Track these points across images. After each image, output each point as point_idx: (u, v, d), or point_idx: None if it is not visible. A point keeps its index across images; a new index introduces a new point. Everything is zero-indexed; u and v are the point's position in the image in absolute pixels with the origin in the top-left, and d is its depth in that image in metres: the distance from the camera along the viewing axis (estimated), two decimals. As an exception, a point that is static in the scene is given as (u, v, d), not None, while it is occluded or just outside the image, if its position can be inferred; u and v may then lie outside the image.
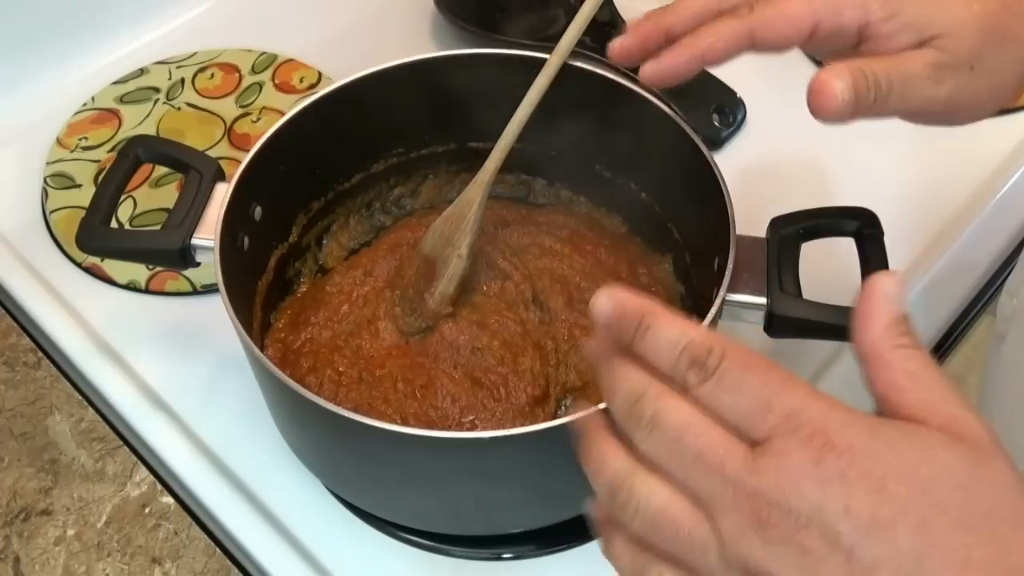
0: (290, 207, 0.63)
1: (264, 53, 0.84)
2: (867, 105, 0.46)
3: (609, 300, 0.36)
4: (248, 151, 0.56)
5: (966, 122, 0.50)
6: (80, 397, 0.63)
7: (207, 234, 0.55)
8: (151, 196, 0.73)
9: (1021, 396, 0.55)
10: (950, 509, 0.31)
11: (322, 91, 0.59)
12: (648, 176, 0.64)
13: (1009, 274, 0.74)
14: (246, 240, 0.57)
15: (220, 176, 0.58)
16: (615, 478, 0.34)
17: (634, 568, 0.35)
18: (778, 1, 0.47)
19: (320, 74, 0.82)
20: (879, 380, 0.34)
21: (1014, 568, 0.31)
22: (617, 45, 0.50)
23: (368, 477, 0.55)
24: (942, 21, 0.46)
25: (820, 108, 0.46)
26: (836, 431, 0.32)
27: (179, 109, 0.80)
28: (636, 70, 0.81)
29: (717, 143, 0.78)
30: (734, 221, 0.52)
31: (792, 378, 0.33)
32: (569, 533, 0.58)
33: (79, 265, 0.70)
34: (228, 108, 0.80)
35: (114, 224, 0.58)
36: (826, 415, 0.32)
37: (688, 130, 0.57)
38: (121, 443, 0.61)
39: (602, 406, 0.36)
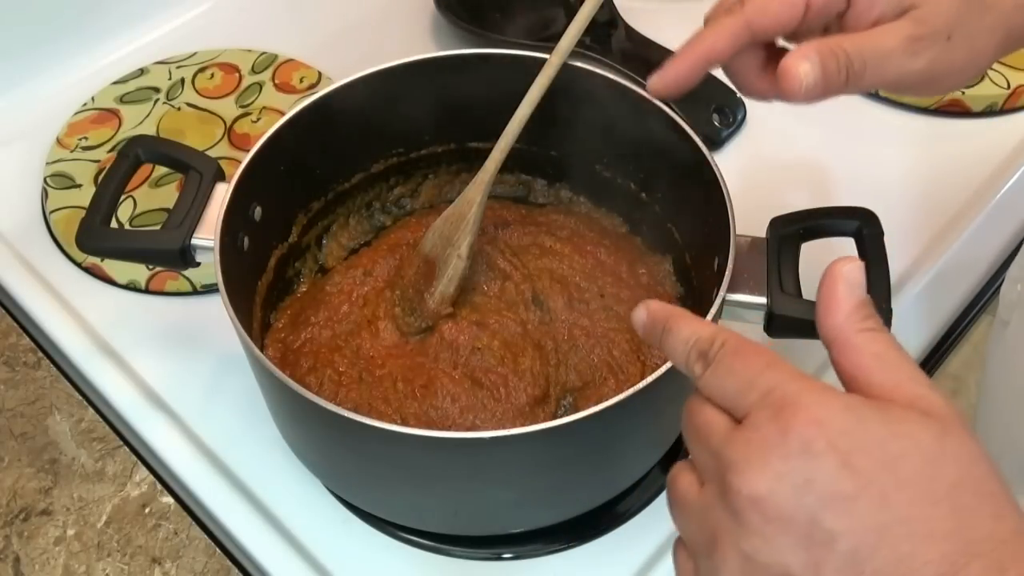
0: (290, 207, 0.63)
1: (264, 53, 0.84)
2: (839, 83, 0.46)
3: (643, 310, 0.40)
4: (248, 151, 0.56)
5: (945, 91, 0.50)
6: (80, 397, 0.63)
7: (207, 234, 0.55)
8: (151, 196, 0.73)
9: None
10: (915, 483, 0.31)
11: (322, 91, 0.59)
12: (648, 176, 0.64)
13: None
14: (246, 240, 0.57)
15: (220, 176, 0.58)
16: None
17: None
18: None
19: (320, 74, 0.82)
20: (846, 363, 0.35)
21: (977, 540, 0.31)
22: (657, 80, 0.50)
23: (368, 477, 0.55)
24: None
25: (786, 91, 0.46)
26: (807, 406, 0.33)
27: (179, 109, 0.80)
28: (636, 70, 0.81)
29: (717, 143, 0.78)
30: (734, 221, 0.52)
31: (776, 360, 0.35)
32: (569, 533, 0.58)
33: (79, 265, 0.70)
34: (228, 108, 0.80)
35: (114, 224, 0.58)
36: (800, 392, 0.33)
37: (688, 130, 0.57)
38: (121, 443, 0.61)
39: None
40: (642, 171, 0.64)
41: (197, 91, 0.81)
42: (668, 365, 0.47)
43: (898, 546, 0.31)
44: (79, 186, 0.74)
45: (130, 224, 0.71)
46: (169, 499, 0.58)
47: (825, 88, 0.46)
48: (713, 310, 0.50)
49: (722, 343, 0.36)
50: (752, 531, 0.32)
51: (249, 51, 0.84)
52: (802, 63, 0.45)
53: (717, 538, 0.34)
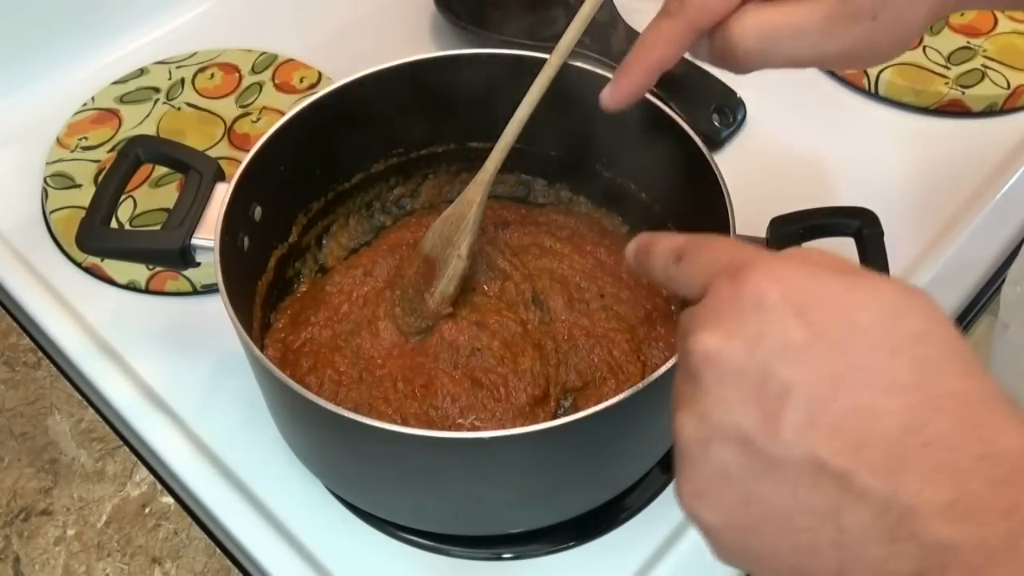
0: (290, 207, 0.63)
1: (264, 53, 0.84)
2: (718, 64, 0.46)
3: (632, 246, 0.41)
4: (248, 151, 0.56)
5: (869, 66, 0.48)
6: (80, 397, 0.63)
7: (207, 234, 0.55)
8: (151, 196, 0.73)
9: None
10: (873, 332, 0.30)
11: (322, 91, 0.59)
12: (648, 176, 0.64)
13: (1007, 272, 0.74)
14: (246, 240, 0.57)
15: (220, 176, 0.58)
16: None
17: None
18: None
19: (320, 74, 0.82)
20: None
21: (943, 394, 0.29)
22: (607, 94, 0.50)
23: (368, 477, 0.55)
24: None
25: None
26: (762, 264, 0.32)
27: (179, 109, 0.80)
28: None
29: (717, 143, 0.78)
30: (734, 221, 0.52)
31: (739, 242, 0.35)
32: (569, 533, 0.58)
33: (79, 265, 0.70)
34: (228, 108, 0.80)
35: (114, 224, 0.58)
36: (758, 255, 0.33)
37: (688, 130, 0.57)
38: (121, 443, 0.61)
39: None
40: (642, 171, 0.64)
41: (197, 91, 0.81)
42: (668, 365, 0.47)
43: (856, 396, 0.29)
44: (79, 186, 0.74)
45: (130, 224, 0.71)
46: (169, 499, 0.58)
47: (714, 63, 0.46)
48: (713, 310, 0.50)
49: (690, 239, 0.37)
50: (704, 391, 0.32)
51: (249, 51, 0.84)
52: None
53: (676, 404, 0.33)
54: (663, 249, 0.38)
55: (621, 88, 0.49)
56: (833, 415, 0.29)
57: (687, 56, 0.48)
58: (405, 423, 0.57)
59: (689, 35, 0.46)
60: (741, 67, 0.46)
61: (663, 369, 0.47)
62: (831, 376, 0.30)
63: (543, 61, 0.57)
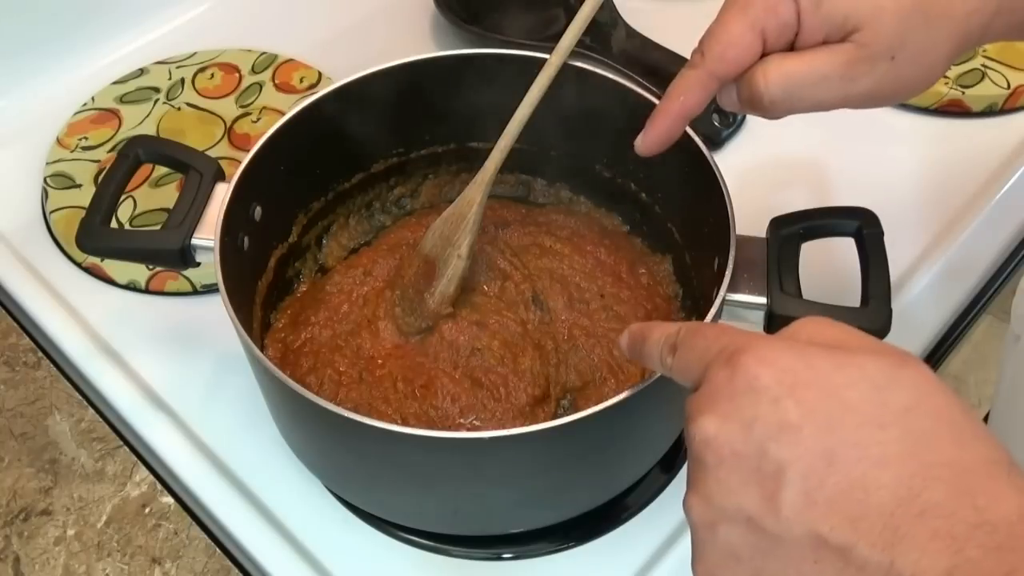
0: (290, 207, 0.63)
1: (264, 53, 0.84)
2: (748, 111, 0.48)
3: (625, 334, 0.42)
4: (248, 151, 0.56)
5: (899, 102, 0.49)
6: (80, 397, 0.63)
7: (207, 234, 0.55)
8: (151, 196, 0.73)
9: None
10: (862, 408, 0.31)
11: (322, 91, 0.59)
12: (648, 176, 0.64)
13: (1007, 272, 0.74)
14: (246, 240, 0.57)
15: (220, 176, 0.58)
16: None
17: None
18: (718, 32, 0.47)
19: (320, 74, 0.82)
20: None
21: (935, 463, 0.30)
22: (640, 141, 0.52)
23: (368, 477, 0.55)
24: (860, 12, 0.45)
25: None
26: (753, 349, 0.33)
27: (179, 109, 0.80)
28: (636, 70, 0.81)
29: (717, 143, 0.78)
30: (734, 221, 0.52)
31: (729, 327, 0.36)
32: (569, 533, 0.58)
33: (79, 265, 0.70)
34: (228, 108, 0.80)
35: (114, 224, 0.58)
36: (749, 340, 0.34)
37: (688, 130, 0.56)
38: (121, 443, 0.61)
39: None
40: (642, 171, 0.64)
41: (197, 91, 0.81)
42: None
43: (849, 470, 0.30)
44: (79, 186, 0.74)
45: (130, 224, 0.71)
46: (169, 499, 0.58)
47: (742, 109, 0.48)
48: (713, 310, 0.50)
49: (683, 329, 0.38)
50: (707, 474, 0.33)
51: (249, 51, 0.84)
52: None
53: (687, 487, 0.34)
54: (657, 340, 0.39)
55: (652, 135, 0.51)
56: (829, 490, 0.30)
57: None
58: (405, 423, 0.57)
59: (711, 85, 0.48)
60: (769, 114, 0.48)
61: (663, 369, 0.47)
62: (824, 452, 0.31)
63: (543, 61, 0.57)
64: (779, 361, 0.33)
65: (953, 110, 0.81)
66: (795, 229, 0.55)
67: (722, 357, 0.34)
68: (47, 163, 0.76)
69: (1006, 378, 0.66)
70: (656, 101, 0.58)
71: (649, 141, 0.51)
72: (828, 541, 0.30)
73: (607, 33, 0.84)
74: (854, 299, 0.52)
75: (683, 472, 0.60)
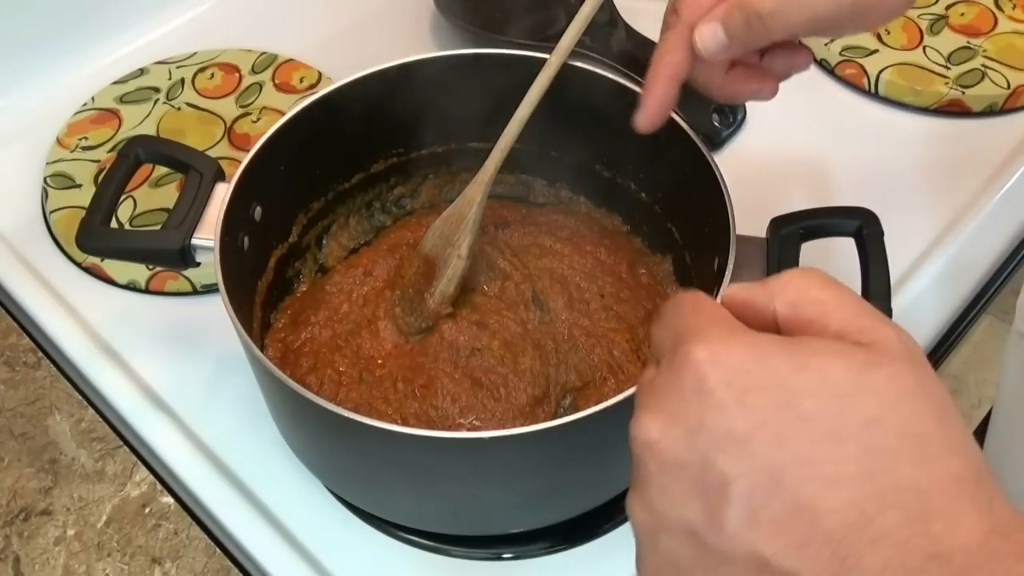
0: (290, 207, 0.63)
1: (264, 53, 0.84)
2: (746, 38, 0.47)
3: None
4: (248, 151, 0.56)
5: (873, 26, 0.48)
6: (80, 397, 0.63)
7: (207, 234, 0.55)
8: (151, 196, 0.73)
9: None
10: (819, 419, 0.28)
11: (322, 91, 0.59)
12: (648, 176, 0.64)
13: (1007, 272, 0.74)
14: (246, 240, 0.57)
15: (220, 176, 0.58)
16: None
17: None
18: None
19: (320, 74, 0.82)
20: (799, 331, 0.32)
21: (893, 487, 0.27)
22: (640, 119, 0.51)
23: (368, 477, 0.55)
24: None
25: (700, 58, 0.49)
26: (705, 344, 0.30)
27: (179, 109, 0.80)
28: (636, 70, 0.81)
29: (717, 143, 0.78)
30: (734, 221, 0.52)
31: (703, 304, 0.33)
32: (569, 533, 0.58)
33: (79, 265, 0.70)
34: (228, 108, 0.80)
35: (114, 224, 0.58)
36: (704, 331, 0.31)
37: (688, 130, 0.57)
38: (121, 443, 0.61)
39: None
40: (642, 171, 0.64)
41: (197, 91, 0.81)
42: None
43: (799, 490, 0.27)
44: (79, 186, 0.74)
45: (130, 224, 0.71)
46: (169, 499, 0.58)
47: (735, 44, 0.47)
48: (713, 310, 0.50)
49: (669, 301, 0.34)
50: (649, 480, 0.30)
51: (249, 51, 0.84)
52: (702, 29, 0.48)
53: (630, 485, 0.32)
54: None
55: (648, 107, 0.50)
56: (775, 511, 0.28)
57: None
58: (405, 423, 0.57)
59: (687, 36, 0.48)
60: (767, 34, 0.46)
61: (663, 369, 0.46)
62: (771, 468, 0.28)
63: (543, 61, 0.57)
64: (731, 359, 0.30)
65: (953, 110, 0.81)
66: (795, 229, 0.55)
67: (677, 346, 0.31)
68: (47, 163, 0.76)
69: (1010, 374, 0.66)
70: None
71: (647, 114, 0.50)
72: (771, 565, 0.28)
73: (607, 33, 0.84)
74: (854, 299, 0.52)
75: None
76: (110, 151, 0.76)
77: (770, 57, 0.51)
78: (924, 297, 0.69)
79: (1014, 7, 0.87)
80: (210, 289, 0.69)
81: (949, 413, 0.29)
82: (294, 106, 0.59)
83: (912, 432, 0.28)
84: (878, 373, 0.29)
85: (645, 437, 0.30)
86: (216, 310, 0.51)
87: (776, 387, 0.29)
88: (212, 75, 0.82)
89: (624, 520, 0.59)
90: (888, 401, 0.28)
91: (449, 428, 0.57)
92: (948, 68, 0.82)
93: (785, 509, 0.28)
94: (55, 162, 0.76)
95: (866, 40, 0.84)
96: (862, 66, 0.82)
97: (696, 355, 0.30)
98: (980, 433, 0.78)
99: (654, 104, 0.50)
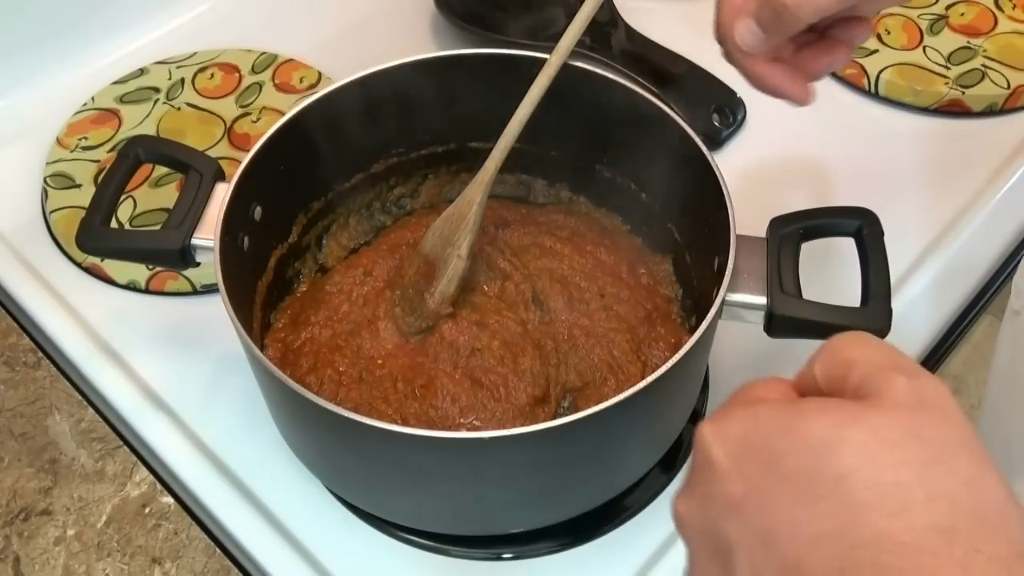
0: (290, 207, 0.63)
1: (264, 53, 0.84)
2: (780, 27, 0.49)
3: None
4: (248, 151, 0.56)
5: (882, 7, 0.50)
6: (80, 397, 0.63)
7: (207, 234, 0.55)
8: (151, 196, 0.73)
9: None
10: (797, 480, 0.29)
11: (322, 91, 0.59)
12: (648, 176, 0.64)
13: (1007, 272, 0.74)
14: (246, 240, 0.57)
15: (220, 176, 0.58)
16: None
17: None
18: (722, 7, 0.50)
19: (320, 74, 0.82)
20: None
21: (863, 542, 0.27)
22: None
23: (368, 477, 0.55)
24: None
25: (737, 55, 0.51)
26: (712, 419, 0.32)
27: (179, 109, 0.80)
28: (636, 70, 0.81)
29: (717, 143, 0.78)
30: (734, 221, 0.52)
31: (754, 385, 0.35)
32: (569, 533, 0.58)
33: (79, 265, 0.70)
34: (228, 108, 0.80)
35: (114, 224, 0.58)
36: (722, 407, 0.33)
37: (688, 130, 0.57)
38: (121, 443, 0.61)
39: None
40: (642, 171, 0.64)
41: (197, 91, 0.81)
42: (668, 365, 0.47)
43: (785, 552, 0.29)
44: (79, 186, 0.74)
45: (130, 224, 0.71)
46: (169, 499, 0.58)
47: (771, 35, 0.49)
48: (713, 310, 0.50)
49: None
50: (688, 548, 0.33)
51: (249, 51, 0.84)
52: (737, 26, 0.50)
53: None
54: None
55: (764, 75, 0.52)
56: (771, 572, 0.29)
57: (691, 60, 0.49)
58: (405, 423, 0.57)
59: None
60: (798, 19, 0.47)
61: (663, 369, 0.47)
62: (762, 532, 0.29)
63: (543, 61, 0.57)
64: (730, 429, 0.31)
65: (953, 110, 0.81)
66: (795, 229, 0.55)
67: (699, 427, 0.33)
68: (47, 163, 0.76)
69: (1002, 352, 0.66)
70: (656, 101, 0.58)
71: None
72: None
73: (607, 33, 0.84)
74: (854, 299, 0.52)
75: (683, 472, 0.60)
76: (110, 151, 0.76)
77: (831, 32, 0.52)
78: (924, 297, 0.69)
79: (1014, 7, 0.87)
80: (210, 289, 0.69)
81: (946, 457, 0.28)
82: (294, 106, 0.59)
83: (888, 482, 0.28)
84: (860, 426, 0.29)
85: (676, 513, 0.33)
86: (216, 310, 0.51)
87: (764, 451, 0.30)
88: (212, 75, 0.82)
89: (624, 520, 0.59)
90: (865, 453, 0.28)
91: (449, 428, 0.57)
92: (948, 68, 0.82)
93: (777, 571, 0.29)
94: (55, 162, 0.76)
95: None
96: (862, 66, 0.82)
97: (703, 431, 0.32)
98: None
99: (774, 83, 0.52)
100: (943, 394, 0.30)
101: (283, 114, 0.58)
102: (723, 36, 0.51)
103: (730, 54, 0.52)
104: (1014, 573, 0.26)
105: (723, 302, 0.50)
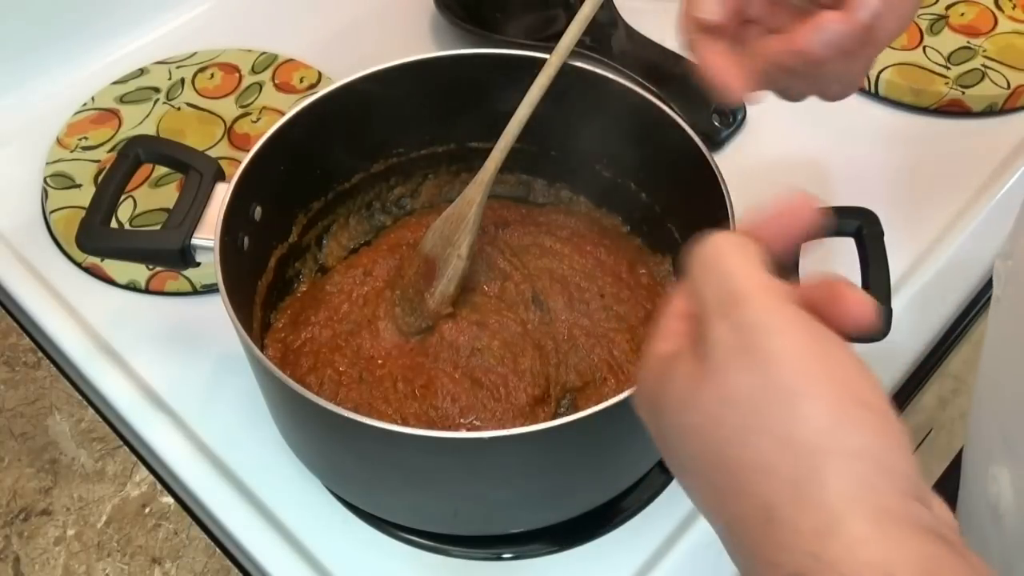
0: (290, 207, 0.63)
1: (264, 53, 0.84)
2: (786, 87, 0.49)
3: None
4: (248, 151, 0.57)
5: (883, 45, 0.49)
6: (80, 397, 0.63)
7: (207, 234, 0.55)
8: (151, 196, 0.73)
9: (1015, 354, 0.55)
10: (698, 458, 0.33)
11: (322, 91, 0.59)
12: (648, 176, 0.64)
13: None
14: (246, 240, 0.57)
15: (220, 176, 0.58)
16: None
17: None
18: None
19: (320, 74, 0.82)
20: None
21: (728, 520, 0.31)
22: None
23: (368, 477, 0.55)
24: None
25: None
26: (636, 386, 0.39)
27: (179, 109, 0.80)
28: (636, 70, 0.81)
29: (717, 143, 0.78)
30: (734, 221, 0.52)
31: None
32: (569, 533, 0.58)
33: (79, 265, 0.70)
34: (228, 108, 0.80)
35: (114, 224, 0.58)
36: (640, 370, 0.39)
37: (688, 130, 0.57)
38: (121, 443, 0.61)
39: None
40: (642, 171, 0.64)
41: (197, 91, 0.81)
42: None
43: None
44: (79, 186, 0.74)
45: (130, 224, 0.71)
46: (169, 499, 0.58)
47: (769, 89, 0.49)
48: (713, 310, 0.49)
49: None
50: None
51: (249, 51, 0.84)
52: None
53: None
54: None
55: (727, 79, 0.48)
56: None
57: (687, 55, 0.49)
58: (405, 423, 0.57)
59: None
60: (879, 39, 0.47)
61: (663, 369, 0.46)
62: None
63: (543, 61, 0.57)
64: (639, 397, 0.38)
65: (953, 110, 0.81)
66: (795, 229, 0.54)
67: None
68: (47, 163, 0.76)
69: (989, 340, 0.66)
70: (656, 101, 0.58)
71: (730, 83, 0.49)
72: None
73: (607, 33, 0.84)
74: (854, 299, 0.52)
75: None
76: (110, 151, 0.76)
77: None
78: (924, 297, 0.69)
79: (1014, 7, 0.87)
80: (210, 289, 0.69)
81: (758, 420, 0.30)
82: (294, 106, 0.59)
83: (732, 460, 0.31)
84: (696, 411, 0.33)
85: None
86: (216, 310, 0.51)
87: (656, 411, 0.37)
88: (212, 75, 0.82)
89: (624, 520, 0.59)
90: (710, 431, 0.33)
91: (449, 428, 0.57)
92: (948, 68, 0.82)
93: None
94: (55, 162, 0.76)
95: (866, 40, 0.84)
96: (862, 66, 0.82)
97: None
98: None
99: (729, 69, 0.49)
100: (760, 328, 0.31)
101: (283, 114, 0.58)
102: (683, 13, 0.49)
103: (686, 29, 0.49)
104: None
105: (723, 302, 0.50)
